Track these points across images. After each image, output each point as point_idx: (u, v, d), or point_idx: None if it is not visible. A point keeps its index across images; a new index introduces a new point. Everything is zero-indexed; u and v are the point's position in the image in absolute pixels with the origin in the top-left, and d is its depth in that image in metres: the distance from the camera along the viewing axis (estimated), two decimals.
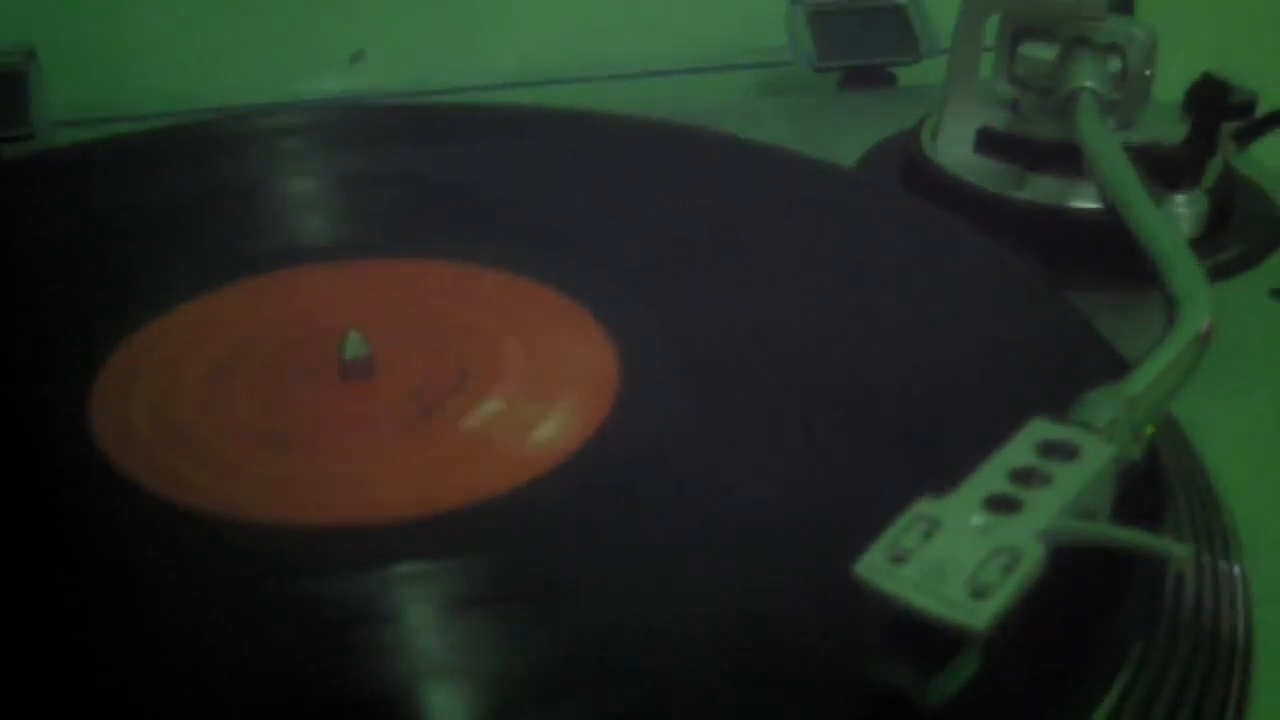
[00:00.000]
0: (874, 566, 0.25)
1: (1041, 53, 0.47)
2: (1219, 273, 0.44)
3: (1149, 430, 0.30)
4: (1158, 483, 0.31)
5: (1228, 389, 0.39)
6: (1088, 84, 0.45)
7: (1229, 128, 0.45)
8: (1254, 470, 0.36)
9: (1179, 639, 0.29)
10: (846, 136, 0.54)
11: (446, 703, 0.27)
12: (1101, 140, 0.43)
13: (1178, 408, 0.36)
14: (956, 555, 0.25)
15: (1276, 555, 0.33)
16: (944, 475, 0.27)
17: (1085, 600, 0.28)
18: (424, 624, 0.29)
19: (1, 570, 0.29)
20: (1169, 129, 0.46)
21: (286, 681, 0.27)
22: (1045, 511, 0.26)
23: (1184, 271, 0.36)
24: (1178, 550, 0.26)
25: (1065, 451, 0.28)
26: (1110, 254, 0.40)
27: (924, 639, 0.25)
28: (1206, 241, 0.44)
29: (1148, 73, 0.46)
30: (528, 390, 0.36)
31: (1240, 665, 0.30)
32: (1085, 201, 0.45)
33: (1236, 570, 0.32)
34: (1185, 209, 0.44)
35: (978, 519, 0.26)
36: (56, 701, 0.26)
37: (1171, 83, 0.47)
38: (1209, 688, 0.29)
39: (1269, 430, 0.39)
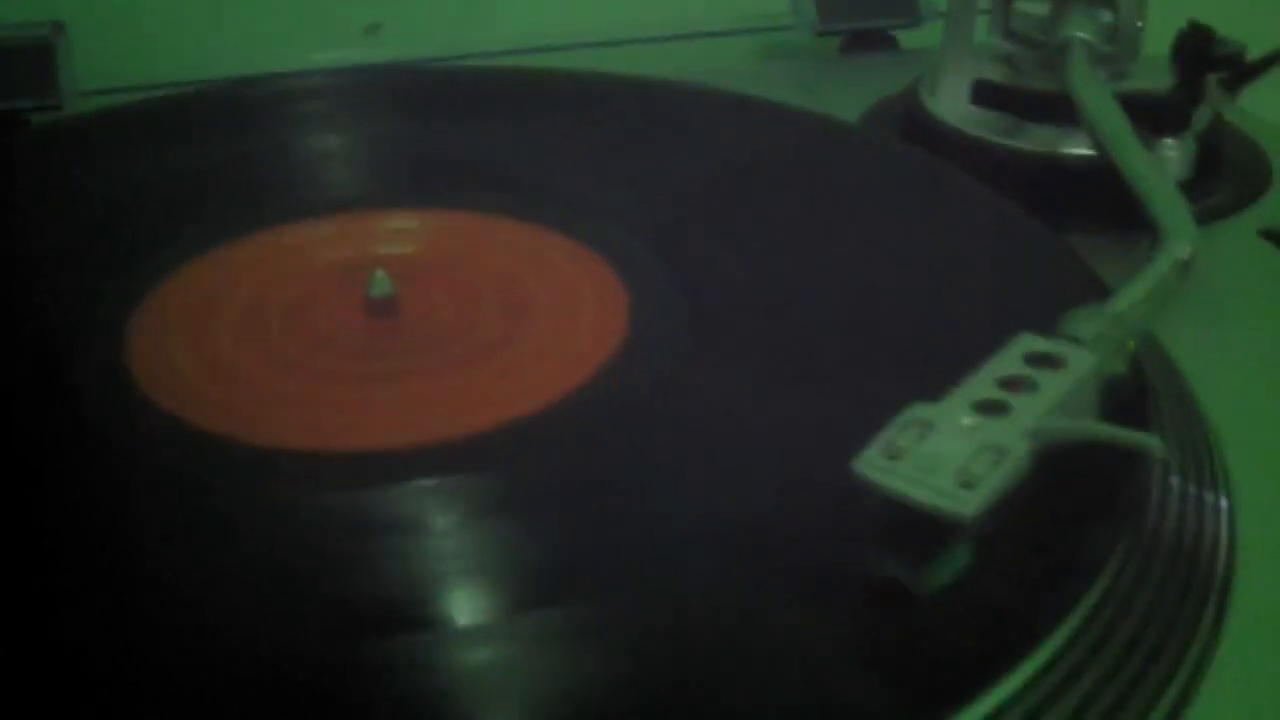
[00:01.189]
0: (871, 462, 0.26)
1: (1035, 7, 0.49)
2: (1211, 215, 0.46)
3: (1130, 345, 0.31)
4: (1146, 414, 0.32)
5: (1219, 325, 0.40)
6: (1079, 34, 0.46)
7: (1216, 76, 0.47)
8: (1243, 402, 0.37)
9: (1157, 557, 0.30)
10: (848, 99, 0.55)
11: (470, 601, 0.29)
12: (1091, 87, 0.44)
13: (1170, 340, 0.38)
14: (947, 451, 0.26)
15: (1262, 486, 0.34)
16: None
17: (1067, 519, 0.29)
18: (447, 532, 0.31)
19: (64, 505, 0.31)
20: (1159, 81, 0.47)
21: (317, 587, 0.29)
22: (1031, 413, 0.27)
23: (1169, 206, 0.37)
24: (1153, 443, 0.28)
25: (1051, 361, 0.29)
26: (1101, 197, 0.42)
27: (918, 535, 0.26)
28: (1197, 185, 0.46)
29: (1138, 24, 0.47)
30: (542, 328, 0.38)
31: (1217, 592, 0.30)
32: (1078, 148, 0.46)
33: (1223, 502, 0.33)
34: (1174, 153, 0.46)
35: (968, 420, 0.27)
36: (97, 623, 0.28)
37: (1163, 37, 0.48)
38: (1182, 610, 0.29)
39: (1258, 363, 0.40)
